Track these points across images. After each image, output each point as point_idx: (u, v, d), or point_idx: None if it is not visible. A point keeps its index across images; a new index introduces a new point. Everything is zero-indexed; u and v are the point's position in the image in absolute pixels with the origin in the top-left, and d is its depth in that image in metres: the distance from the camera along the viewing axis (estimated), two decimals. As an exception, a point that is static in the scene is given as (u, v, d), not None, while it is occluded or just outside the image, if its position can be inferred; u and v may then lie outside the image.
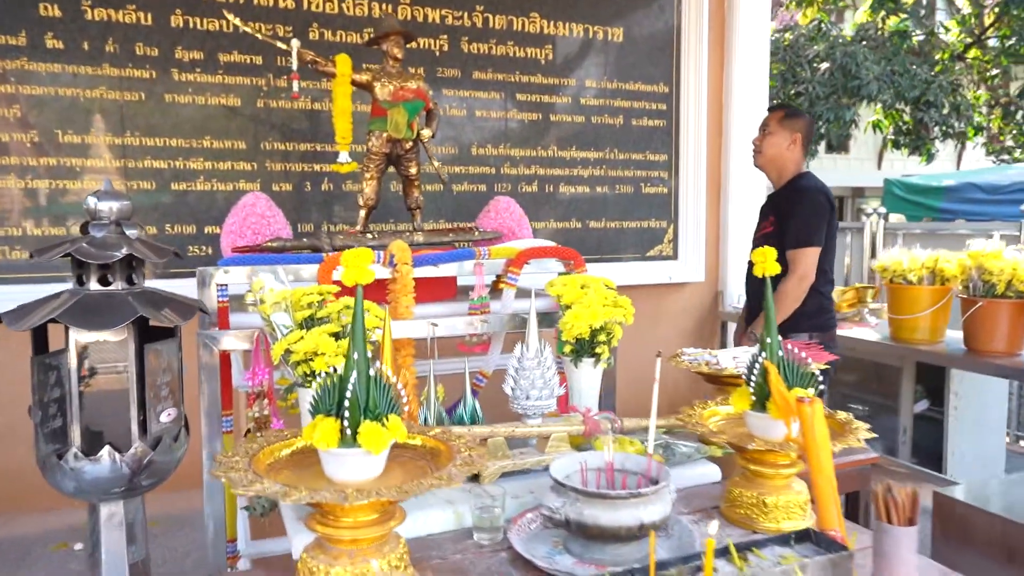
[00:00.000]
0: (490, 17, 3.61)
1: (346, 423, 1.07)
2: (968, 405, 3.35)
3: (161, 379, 1.30)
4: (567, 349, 1.89)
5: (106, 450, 1.24)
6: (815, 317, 2.76)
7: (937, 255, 2.97)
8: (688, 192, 4.11)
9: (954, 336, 3.04)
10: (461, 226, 2.57)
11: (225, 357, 1.95)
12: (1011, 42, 9.58)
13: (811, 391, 1.30)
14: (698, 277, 4.17)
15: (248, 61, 3.20)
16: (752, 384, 1.39)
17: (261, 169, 3.26)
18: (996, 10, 10.29)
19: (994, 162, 10.98)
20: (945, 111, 9.39)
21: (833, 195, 2.86)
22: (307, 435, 1.11)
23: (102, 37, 2.97)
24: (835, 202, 2.87)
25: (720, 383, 1.95)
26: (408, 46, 2.51)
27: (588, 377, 1.91)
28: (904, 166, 17.69)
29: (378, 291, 2.15)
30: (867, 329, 3.43)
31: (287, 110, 3.29)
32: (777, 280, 2.76)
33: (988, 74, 10.51)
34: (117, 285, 1.29)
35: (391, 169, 2.52)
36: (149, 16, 3.03)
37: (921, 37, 10.17)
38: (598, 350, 1.87)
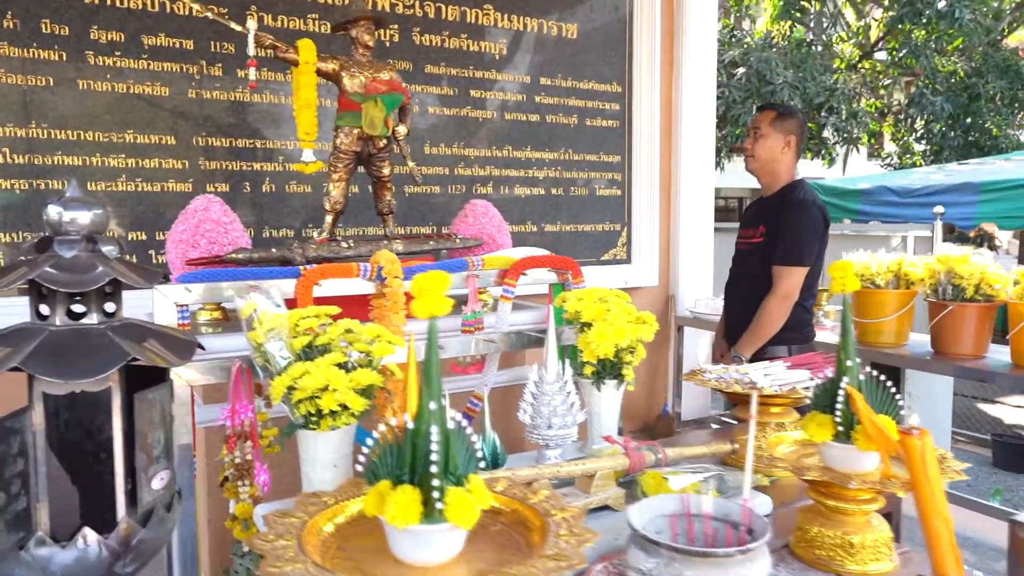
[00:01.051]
0: (443, 7, 3.38)
1: (433, 493, 0.85)
2: (920, 406, 3.42)
3: (153, 435, 1.02)
4: (588, 371, 1.71)
5: (83, 533, 0.95)
6: (796, 330, 2.69)
7: (901, 258, 2.99)
8: (641, 194, 4.02)
9: (917, 339, 3.08)
10: (440, 233, 2.34)
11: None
12: (901, 54, 10.19)
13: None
14: (651, 281, 4.10)
15: (177, 45, 2.83)
16: (837, 412, 1.26)
17: (193, 167, 2.90)
18: (885, 24, 10.94)
19: (881, 167, 11.67)
20: (843, 118, 9.87)
21: (827, 211, 2.74)
22: (373, 507, 0.88)
23: None
24: (830, 218, 2.73)
25: (742, 400, 1.83)
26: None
27: (609, 400, 1.74)
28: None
29: (359, 308, 1.91)
30: (826, 332, 3.45)
31: (222, 102, 2.94)
32: (759, 295, 2.68)
33: (880, 84, 11.15)
34: (92, 317, 1.00)
35: (360, 169, 2.27)
36: (58, -11, 2.62)
37: (819, 48, 10.66)
38: (623, 371, 1.71)
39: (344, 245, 2.04)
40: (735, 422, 2.73)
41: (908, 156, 11.01)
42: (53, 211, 1.01)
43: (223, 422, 1.51)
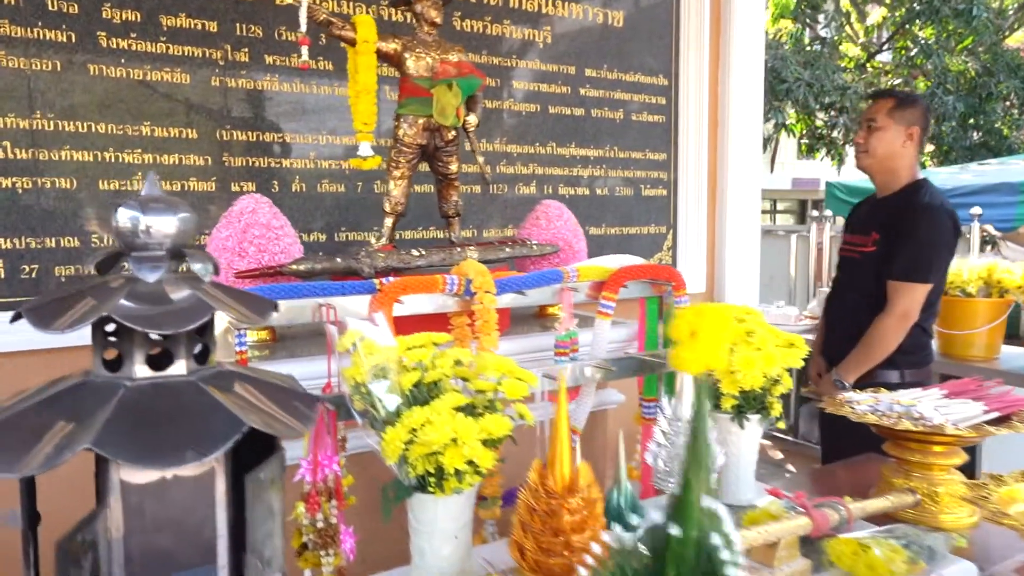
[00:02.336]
0: (484, -10, 3.09)
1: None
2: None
3: (264, 529, 0.73)
4: (727, 404, 1.43)
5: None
6: (912, 353, 2.33)
7: (993, 264, 2.74)
8: (688, 195, 3.76)
9: (1009, 352, 2.83)
10: (513, 238, 2.05)
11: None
12: (912, 53, 10.03)
13: None
14: (699, 287, 3.83)
15: (199, 27, 2.52)
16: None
17: (216, 164, 2.59)
18: (894, 24, 10.79)
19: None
20: (853, 117, 9.68)
21: (958, 217, 2.33)
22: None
23: (1, -15, 2.22)
24: (960, 225, 2.35)
25: (901, 437, 1.55)
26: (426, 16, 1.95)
27: (751, 440, 1.46)
28: (795, 169, 18.51)
29: (436, 326, 1.62)
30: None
31: (249, 91, 2.63)
32: (867, 312, 2.34)
33: (889, 84, 10.98)
34: (180, 365, 0.71)
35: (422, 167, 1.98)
36: (66, -39, 2.31)
37: (826, 47, 10.47)
38: (768, 403, 1.43)
39: (415, 253, 1.75)
40: (814, 446, 2.46)
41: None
42: (126, 216, 0.72)
43: (302, 475, 1.21)
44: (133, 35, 2.41)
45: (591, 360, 1.53)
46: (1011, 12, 11.34)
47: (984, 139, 9.82)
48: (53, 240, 2.34)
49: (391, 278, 1.51)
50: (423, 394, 1.12)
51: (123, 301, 0.67)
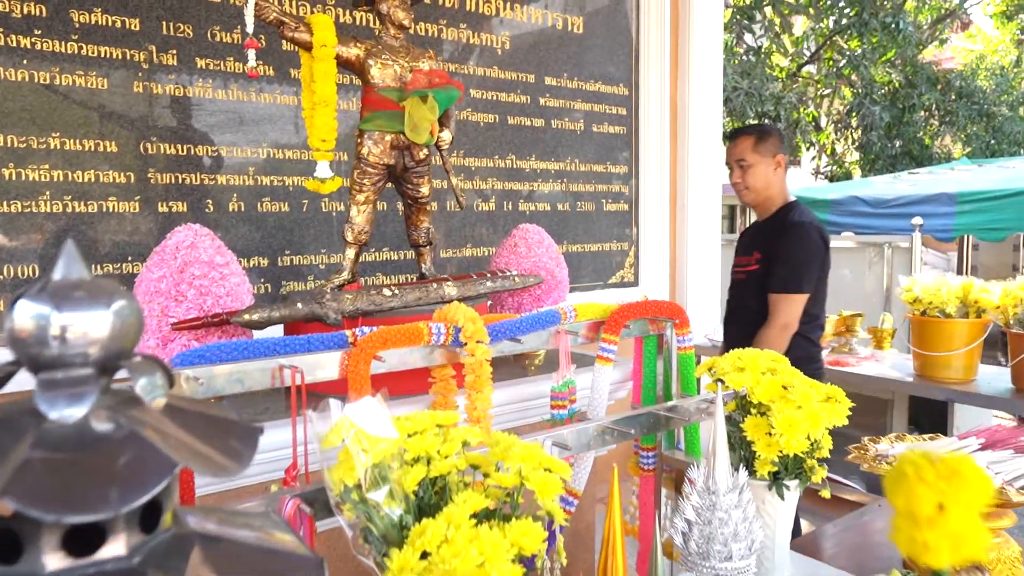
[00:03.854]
0: (439, -9, 2.86)
1: None
2: (968, 439, 3.14)
3: None
4: (763, 470, 1.25)
5: None
6: (803, 364, 2.31)
7: (969, 283, 2.68)
8: (650, 209, 3.61)
9: (986, 372, 2.78)
10: (494, 270, 1.82)
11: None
12: (841, 64, 10.31)
13: None
14: (629, 293, 3.68)
15: (118, 24, 2.19)
16: None
17: (140, 181, 2.26)
18: (821, 37, 11.08)
19: (826, 178, 11.81)
20: (782, 127, 9.88)
21: (827, 232, 2.50)
22: None
23: None
24: (829, 239, 2.51)
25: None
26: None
27: (788, 510, 1.28)
28: (723, 176, 18.90)
29: (414, 381, 1.39)
30: (872, 363, 3.12)
31: (177, 98, 2.32)
32: (757, 328, 2.43)
33: (818, 94, 11.28)
34: (117, 544, 0.46)
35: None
36: (-46, -56, 1.95)
37: (758, 57, 10.66)
38: (809, 466, 1.25)
39: (387, 293, 1.50)
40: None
41: (843, 166, 11.16)
42: (28, 315, 0.46)
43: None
44: (38, 32, 2.07)
45: (599, 420, 1.32)
46: (925, 27, 11.84)
47: (907, 148, 10.17)
48: (-60, 273, 1.98)
49: (364, 329, 1.27)
50: (430, 496, 0.89)
51: (24, 456, 0.42)
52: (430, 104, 1.56)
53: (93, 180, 2.18)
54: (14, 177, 2.06)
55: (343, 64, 1.62)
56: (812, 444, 1.21)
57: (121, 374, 0.49)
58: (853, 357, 3.20)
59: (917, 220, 5.36)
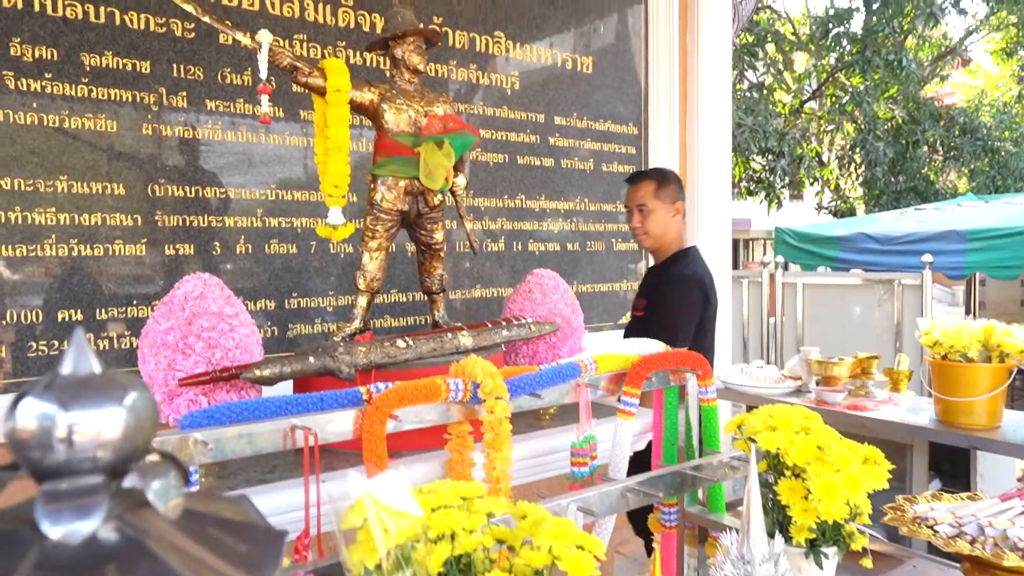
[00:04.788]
0: (449, 32, 2.86)
1: None
2: (991, 487, 3.06)
3: None
4: (803, 537, 1.18)
5: None
6: None
7: (990, 327, 2.61)
8: (660, 249, 3.57)
9: (1012, 419, 2.70)
10: (508, 318, 1.77)
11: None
12: (844, 100, 10.38)
13: None
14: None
15: (129, 67, 2.18)
16: None
17: (148, 224, 2.23)
18: (823, 73, 11.18)
19: (830, 213, 11.82)
20: (785, 162, 9.92)
21: (712, 280, 2.50)
22: None
23: None
24: (712, 290, 2.50)
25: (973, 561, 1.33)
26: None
27: (825, 577, 1.21)
28: (736, 216, 18.93)
29: (428, 436, 1.34)
30: (890, 407, 3.04)
31: (186, 140, 2.30)
32: None
33: (821, 129, 11.34)
34: None
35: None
36: (-33, -11, 1.95)
37: (762, 93, 10.75)
38: (848, 532, 1.19)
39: (401, 344, 1.45)
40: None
41: (848, 201, 11.17)
42: (32, 415, 0.42)
43: None
44: (48, 75, 2.06)
45: (624, 481, 1.26)
46: (926, 63, 11.95)
47: (912, 184, 10.18)
48: (-59, 319, 1.93)
49: (379, 386, 1.21)
50: (455, 575, 0.83)
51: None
52: (446, 150, 1.52)
53: (100, 223, 2.15)
54: (20, 220, 2.03)
55: (357, 109, 1.59)
56: (851, 509, 1.15)
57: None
58: (870, 400, 3.12)
59: (927, 258, 5.31)
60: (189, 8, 1.42)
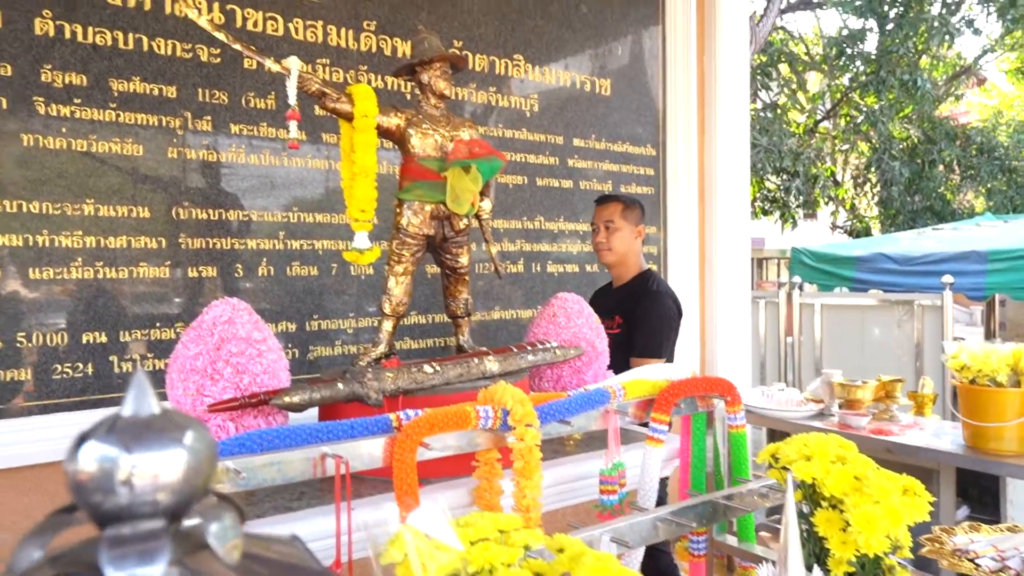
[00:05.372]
0: (470, 55, 2.88)
1: None
2: (1021, 515, 3.00)
3: None
4: (841, 571, 1.15)
5: None
6: None
7: (1019, 351, 2.57)
8: (678, 270, 3.56)
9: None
10: (533, 342, 1.76)
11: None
12: (858, 120, 10.36)
13: None
14: (692, 364, 3.59)
15: (155, 92, 2.21)
16: None
17: (171, 247, 2.24)
18: (837, 93, 11.18)
19: (844, 232, 11.76)
20: (800, 182, 9.89)
21: (680, 302, 2.71)
22: None
23: (-83, 42, 1.88)
24: (682, 307, 2.71)
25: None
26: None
27: (864, 611, 1.18)
28: (754, 235, 18.90)
29: (455, 463, 1.32)
30: (916, 431, 3.00)
31: (212, 163, 2.32)
32: None
33: (836, 149, 11.31)
34: None
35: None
36: None
37: (777, 113, 10.75)
38: (888, 566, 1.16)
39: (428, 370, 1.44)
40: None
41: (863, 221, 11.10)
42: (93, 458, 0.41)
43: None
44: (77, 101, 2.09)
45: (656, 511, 1.24)
46: (941, 83, 11.92)
47: (929, 203, 10.11)
48: (-31, 341, 1.94)
49: (408, 413, 1.20)
50: (493, 612, 0.81)
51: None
52: (473, 175, 1.53)
53: (125, 245, 2.16)
54: (47, 243, 2.04)
55: (383, 134, 1.60)
56: (892, 542, 1.12)
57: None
58: (895, 425, 3.08)
59: (948, 279, 5.26)
60: (220, 36, 1.43)
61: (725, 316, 3.72)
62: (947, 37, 8.85)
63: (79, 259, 2.09)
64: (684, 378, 1.52)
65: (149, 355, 2.20)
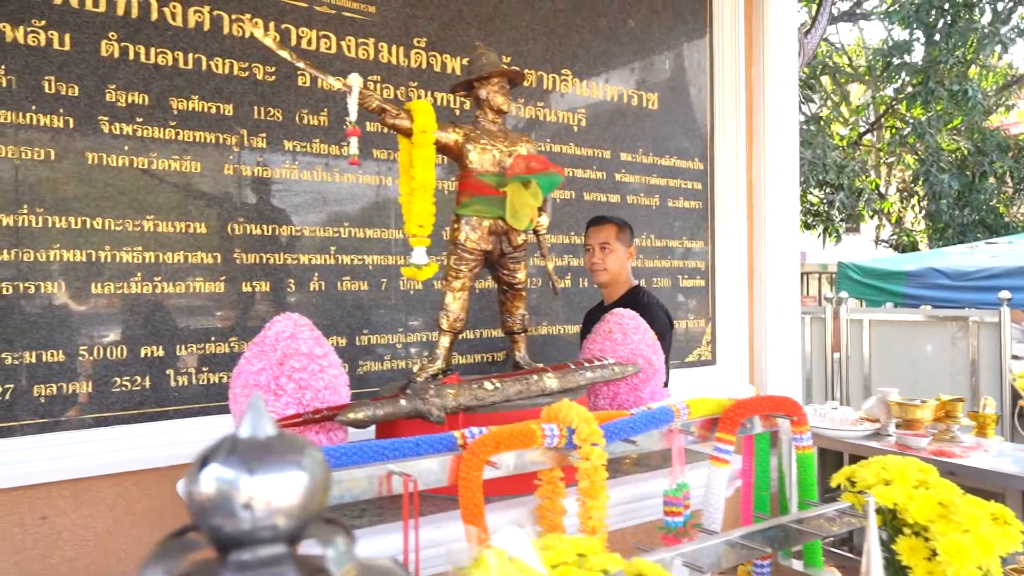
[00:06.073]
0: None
1: None
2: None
3: None
4: (925, 601, 1.10)
5: None
6: None
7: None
8: (727, 284, 3.50)
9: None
10: (589, 358, 1.74)
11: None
12: (905, 132, 10.13)
13: None
14: (741, 382, 3.53)
15: (214, 110, 2.25)
16: None
17: (227, 262, 2.28)
18: (881, 105, 10.96)
19: (890, 246, 11.48)
20: (844, 195, 9.69)
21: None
22: None
23: (-9, 64, 1.94)
24: (672, 319, 2.78)
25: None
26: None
27: (952, 645, 1.12)
28: (802, 249, 18.60)
29: (517, 481, 1.30)
30: (980, 453, 2.88)
31: (266, 179, 2.35)
32: None
33: (881, 161, 11.08)
34: None
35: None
36: (67, 38, 2.04)
37: (813, 127, 10.58)
38: (976, 600, 1.10)
39: (488, 387, 1.42)
40: None
41: (911, 234, 10.82)
42: (212, 480, 0.40)
43: None
44: (139, 119, 2.14)
45: (727, 535, 1.20)
46: (991, 93, 11.62)
47: (980, 217, 9.82)
48: (33, 354, 1.99)
49: (473, 431, 1.19)
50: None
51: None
52: (532, 190, 1.52)
53: (182, 261, 2.20)
54: (109, 259, 2.09)
55: (441, 149, 1.60)
56: (984, 574, 1.07)
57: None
58: (957, 446, 2.97)
59: (1005, 294, 5.08)
60: (284, 54, 1.45)
61: (775, 332, 3.65)
62: (999, 47, 8.62)
63: (138, 274, 2.13)
64: (748, 397, 1.47)
65: (204, 369, 2.23)
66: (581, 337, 2.74)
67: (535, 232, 1.67)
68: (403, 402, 1.29)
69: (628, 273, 2.80)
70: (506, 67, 1.63)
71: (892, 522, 1.15)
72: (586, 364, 1.66)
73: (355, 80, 1.48)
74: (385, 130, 1.67)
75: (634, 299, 2.70)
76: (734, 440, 1.43)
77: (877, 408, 3.28)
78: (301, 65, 1.47)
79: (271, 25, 2.34)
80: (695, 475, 1.49)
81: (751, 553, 1.20)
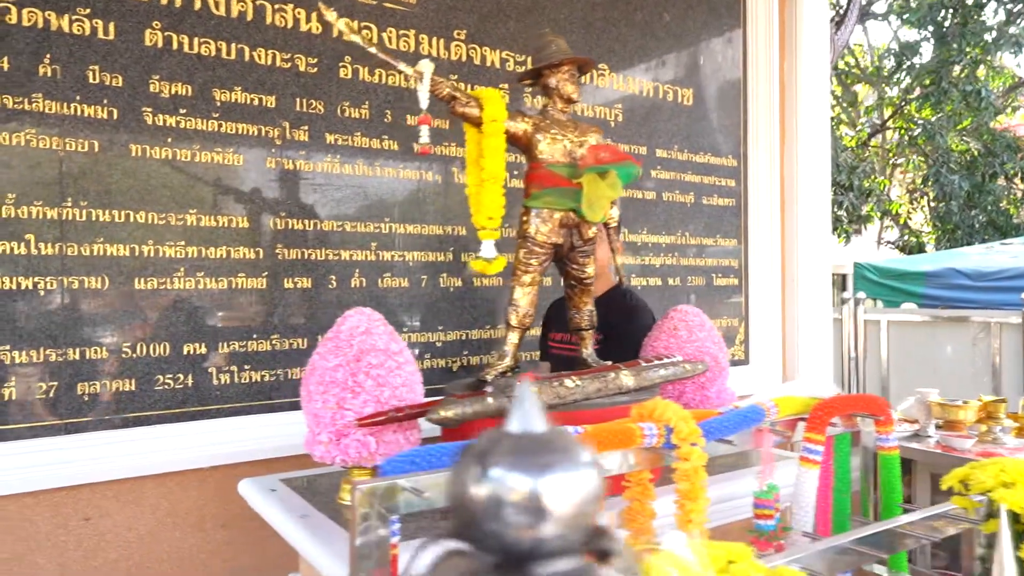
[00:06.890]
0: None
1: None
2: None
3: None
4: (1050, 608, 1.05)
5: None
6: None
7: None
8: (759, 283, 3.45)
9: None
10: (661, 357, 1.69)
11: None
12: (915, 133, 10.10)
13: None
14: (775, 381, 3.48)
15: (257, 102, 2.20)
16: None
17: (268, 257, 2.22)
18: (891, 106, 10.94)
19: (895, 247, 11.44)
20: (853, 196, 9.65)
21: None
22: None
23: (34, 54, 1.89)
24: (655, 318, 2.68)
25: None
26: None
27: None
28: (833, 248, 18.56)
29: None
30: (1025, 454, 2.84)
31: (306, 174, 2.29)
32: None
33: (888, 162, 11.05)
34: None
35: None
36: (111, 27, 1.98)
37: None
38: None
39: (570, 385, 1.37)
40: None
41: (918, 236, 10.78)
42: (496, 490, 0.35)
43: None
44: (183, 111, 2.08)
45: (837, 538, 1.15)
46: (999, 94, 11.60)
47: (990, 218, 9.79)
48: (77, 351, 1.93)
49: (568, 429, 1.13)
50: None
51: None
52: (610, 181, 1.47)
53: (224, 256, 2.15)
54: (152, 254, 2.03)
55: (510, 139, 1.55)
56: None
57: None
58: (1001, 447, 2.92)
59: None
60: (357, 39, 1.40)
61: (807, 332, 3.60)
62: (1014, 47, 8.59)
63: (180, 269, 2.08)
64: (833, 395, 1.43)
65: (246, 367, 2.18)
66: (543, 327, 2.63)
67: (605, 225, 1.62)
68: (490, 400, 1.24)
69: (610, 271, 2.64)
70: (574, 55, 1.58)
71: (1014, 526, 1.10)
72: (656, 362, 1.61)
73: (427, 67, 1.44)
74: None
75: (619, 299, 2.58)
76: (824, 440, 1.38)
77: (916, 409, 3.24)
78: (373, 50, 1.41)
79: (313, 15, 2.29)
80: (778, 476, 1.44)
81: (862, 558, 1.15)
